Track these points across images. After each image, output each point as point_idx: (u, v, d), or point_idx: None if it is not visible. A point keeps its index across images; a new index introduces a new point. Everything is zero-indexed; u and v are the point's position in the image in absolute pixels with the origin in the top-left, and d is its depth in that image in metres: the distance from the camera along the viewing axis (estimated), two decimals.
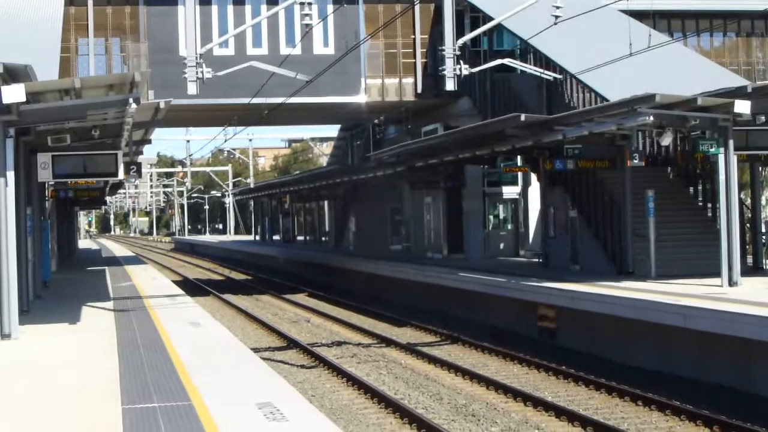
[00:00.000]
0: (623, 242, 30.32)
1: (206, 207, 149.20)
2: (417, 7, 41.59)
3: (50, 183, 36.01)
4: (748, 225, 32.57)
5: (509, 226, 47.28)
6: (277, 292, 47.56)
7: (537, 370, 23.74)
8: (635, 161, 27.10)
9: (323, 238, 75.20)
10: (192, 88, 31.65)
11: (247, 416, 11.78)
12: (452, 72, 33.24)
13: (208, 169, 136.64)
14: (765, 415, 17.76)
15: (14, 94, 18.43)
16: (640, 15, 37.16)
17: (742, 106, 23.91)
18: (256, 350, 24.97)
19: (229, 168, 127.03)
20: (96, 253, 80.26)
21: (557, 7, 31.70)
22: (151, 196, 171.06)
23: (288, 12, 40.05)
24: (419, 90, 43.26)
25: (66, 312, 24.93)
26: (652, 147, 33.60)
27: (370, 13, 42.18)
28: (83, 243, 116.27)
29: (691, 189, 33.80)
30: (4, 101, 18.43)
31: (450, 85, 33.04)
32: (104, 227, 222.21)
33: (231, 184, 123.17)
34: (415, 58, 43.30)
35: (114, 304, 27.19)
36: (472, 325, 31.80)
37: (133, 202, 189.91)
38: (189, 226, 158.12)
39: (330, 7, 40.67)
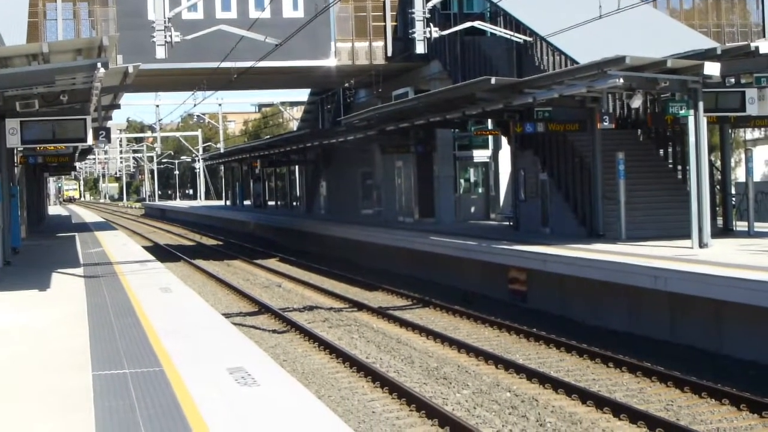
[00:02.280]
0: (594, 205, 30.40)
1: (176, 172, 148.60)
2: None
3: (19, 149, 35.73)
4: (718, 187, 32.71)
5: (480, 190, 47.34)
6: (249, 258, 47.49)
7: (508, 332, 23.80)
8: (605, 124, 27.15)
9: (294, 203, 75.05)
10: (160, 52, 31.42)
11: (218, 381, 11.75)
12: (422, 35, 33.06)
13: (177, 134, 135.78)
14: (735, 375, 17.90)
15: None
16: None
17: (712, 68, 23.98)
18: (227, 315, 24.94)
19: (199, 133, 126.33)
20: (66, 219, 79.85)
21: None
22: (121, 162, 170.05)
23: None
24: (389, 53, 43.16)
25: (36, 279, 24.79)
26: (622, 109, 33.66)
27: None
28: (53, 209, 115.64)
29: (661, 151, 33.87)
30: None
31: (420, 49, 32.93)
32: None
33: (201, 149, 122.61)
34: (385, 21, 43.16)
35: (84, 271, 27.06)
36: (444, 289, 31.88)
37: (103, 168, 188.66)
38: (159, 192, 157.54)
39: None
